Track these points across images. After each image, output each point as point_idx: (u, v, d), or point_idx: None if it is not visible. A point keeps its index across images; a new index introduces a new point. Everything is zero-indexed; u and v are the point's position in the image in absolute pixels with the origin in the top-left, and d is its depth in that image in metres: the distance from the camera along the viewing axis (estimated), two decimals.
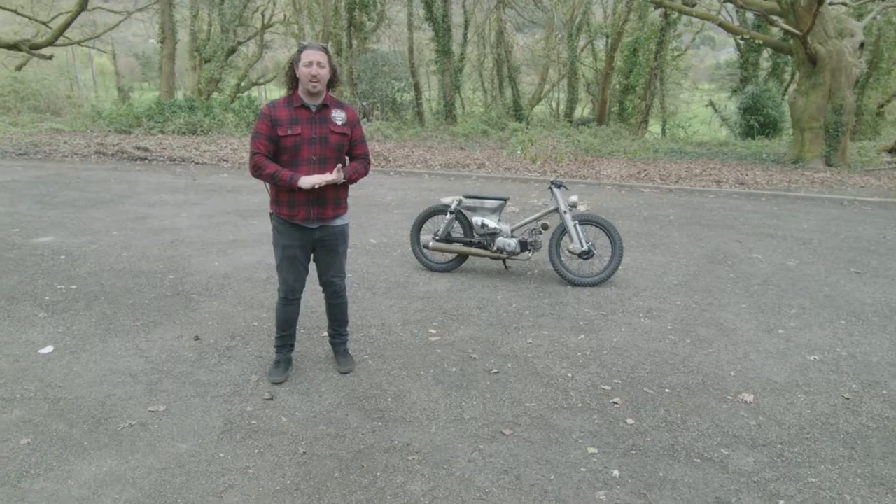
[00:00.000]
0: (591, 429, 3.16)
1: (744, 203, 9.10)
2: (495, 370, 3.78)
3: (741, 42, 22.22)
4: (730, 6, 18.49)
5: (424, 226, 5.64)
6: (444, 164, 12.14)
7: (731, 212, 8.38)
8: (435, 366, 3.83)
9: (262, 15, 31.73)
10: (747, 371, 3.77)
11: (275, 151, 3.27)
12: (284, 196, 3.33)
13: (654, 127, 27.97)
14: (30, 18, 20.25)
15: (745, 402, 3.42)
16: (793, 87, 16.36)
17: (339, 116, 3.33)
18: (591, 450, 2.99)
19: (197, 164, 12.41)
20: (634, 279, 5.42)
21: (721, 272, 5.66)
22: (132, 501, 2.61)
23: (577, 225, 5.16)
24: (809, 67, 12.19)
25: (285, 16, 30.44)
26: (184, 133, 16.24)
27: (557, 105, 29.02)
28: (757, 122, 19.70)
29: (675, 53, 28.02)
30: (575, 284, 5.17)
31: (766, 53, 22.41)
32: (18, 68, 30.43)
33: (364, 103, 20.32)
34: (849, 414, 3.32)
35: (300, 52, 3.21)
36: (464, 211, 5.44)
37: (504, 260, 5.46)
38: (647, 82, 22.04)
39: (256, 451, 2.96)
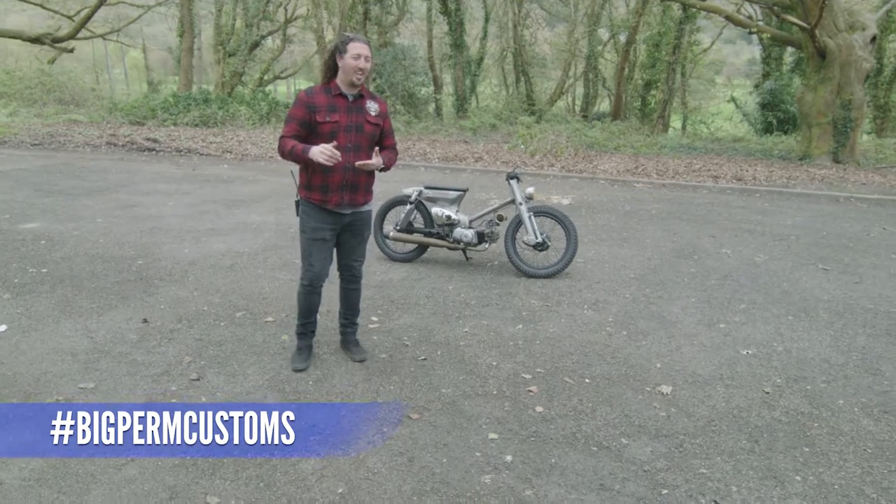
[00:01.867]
0: (499, 415, 3.20)
1: (735, 199, 8.98)
2: (423, 357, 3.83)
3: (764, 37, 21.78)
4: None
5: (388, 216, 5.71)
6: (443, 158, 12.19)
7: (717, 207, 8.28)
8: (367, 353, 3.89)
9: (285, 10, 32.09)
10: (673, 364, 3.76)
11: (308, 137, 3.29)
12: (318, 180, 3.34)
13: (678, 123, 27.63)
14: (54, 12, 20.79)
15: (662, 393, 3.42)
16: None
17: (372, 108, 3.37)
18: (492, 435, 3.02)
19: (201, 155, 12.66)
20: (591, 271, 5.42)
21: (683, 266, 5.62)
22: (37, 471, 2.74)
23: (532, 217, 5.17)
24: (818, 61, 11.93)
25: (308, 10, 30.71)
26: (197, 125, 16.55)
27: (573, 100, 28.79)
28: (776, 118, 19.31)
29: (698, 48, 27.59)
30: (529, 276, 5.19)
31: (790, 48, 21.94)
32: (51, 61, 31.30)
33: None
34: (763, 408, 3.29)
35: (346, 43, 3.23)
36: (424, 201, 5.49)
37: (464, 251, 5.50)
38: (662, 77, 21.75)
39: None
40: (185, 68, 21.24)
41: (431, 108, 21.98)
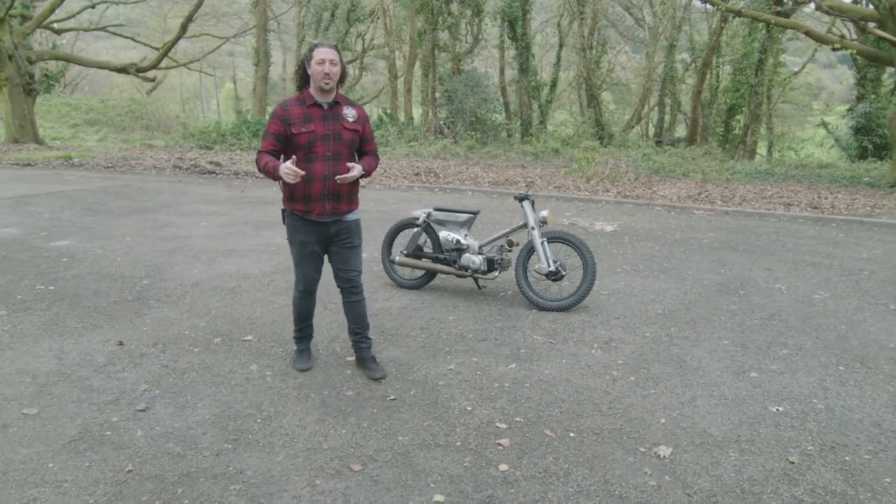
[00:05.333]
0: (454, 472, 2.72)
1: (806, 228, 8.05)
2: (393, 397, 3.41)
3: (858, 57, 20.20)
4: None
5: (397, 239, 5.36)
6: (493, 182, 11.77)
7: (783, 237, 7.42)
8: (332, 388, 3.52)
9: (363, 40, 32.97)
10: (681, 419, 3.15)
11: (286, 149, 3.32)
12: (300, 192, 3.34)
13: (765, 149, 26.06)
14: (144, 44, 22.09)
15: (658, 456, 2.84)
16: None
17: (350, 114, 3.38)
18: (438, 498, 2.56)
19: (257, 178, 12.82)
20: (613, 305, 4.83)
21: (723, 303, 4.92)
22: None
23: (546, 243, 4.67)
24: None
25: (385, 40, 31.35)
26: None
27: (646, 126, 27.78)
28: (871, 143, 17.81)
29: (785, 70, 26.02)
30: (540, 308, 4.67)
31: (890, 69, 20.19)
32: (148, 92, 33.44)
33: (440, 122, 20.32)
34: (783, 483, 2.65)
35: (311, 50, 3.27)
36: (433, 224, 5.09)
37: (475, 279, 5.05)
38: (746, 101, 20.53)
39: (87, 464, 2.78)
40: (259, 96, 21.96)
41: (504, 133, 21.61)
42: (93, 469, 2.74)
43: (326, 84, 3.24)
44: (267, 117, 20.91)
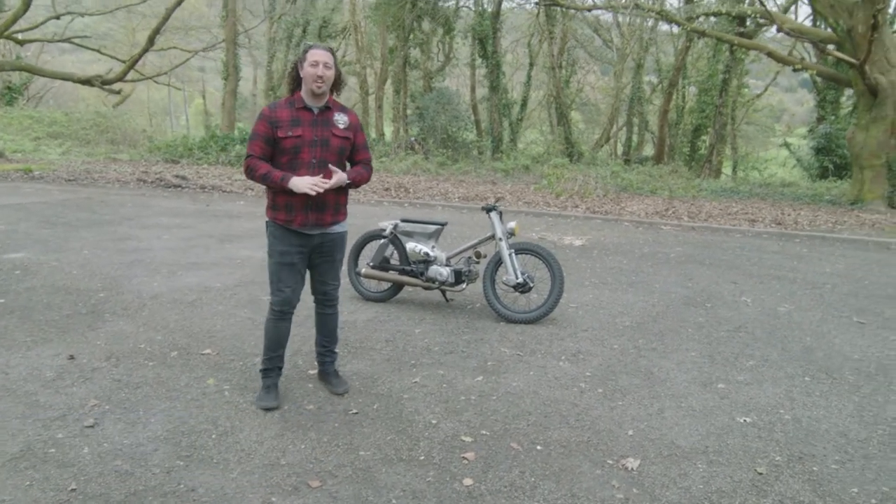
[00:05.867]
0: (417, 488, 2.63)
1: (770, 243, 8.17)
2: (355, 411, 3.30)
3: (818, 80, 20.84)
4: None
5: (363, 252, 5.26)
6: (463, 198, 11.76)
7: (748, 252, 7.51)
8: (293, 402, 3.40)
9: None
10: (649, 431, 3.11)
11: (273, 153, 3.17)
12: (282, 200, 3.18)
13: (730, 169, 26.62)
14: (111, 57, 21.69)
15: (626, 468, 2.78)
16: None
17: (341, 120, 3.23)
18: None
19: (224, 192, 12.61)
20: (581, 318, 4.79)
21: (690, 315, 4.93)
22: None
23: (513, 254, 4.62)
24: (870, 99, 11.09)
25: (357, 57, 31.32)
26: (233, 164, 16.65)
27: (616, 144, 28.19)
28: (832, 163, 18.27)
29: (748, 92, 26.73)
30: (508, 320, 4.61)
31: (849, 91, 20.86)
32: (115, 105, 32.79)
33: (411, 138, 20.33)
34: (751, 494, 2.61)
35: (305, 52, 3.12)
36: (400, 236, 5.02)
37: (442, 291, 4.97)
38: (711, 122, 20.97)
39: (28, 483, 2.62)
40: (228, 110, 21.73)
41: (475, 151, 21.64)
42: (33, 488, 2.58)
43: (318, 87, 3.08)
44: (235, 132, 20.64)
